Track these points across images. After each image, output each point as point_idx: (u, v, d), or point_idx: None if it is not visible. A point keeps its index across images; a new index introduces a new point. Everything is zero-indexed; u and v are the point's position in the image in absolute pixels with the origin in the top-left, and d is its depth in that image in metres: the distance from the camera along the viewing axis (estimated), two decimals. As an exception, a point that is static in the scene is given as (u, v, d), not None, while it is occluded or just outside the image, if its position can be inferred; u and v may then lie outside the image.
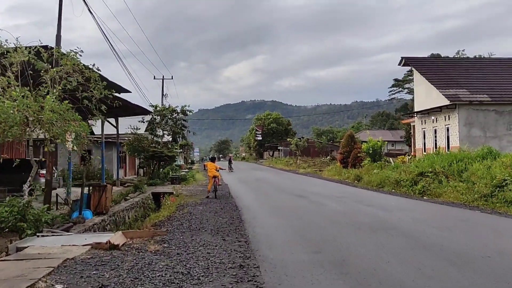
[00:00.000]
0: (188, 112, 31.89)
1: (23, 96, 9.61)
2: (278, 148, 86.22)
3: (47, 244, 8.21)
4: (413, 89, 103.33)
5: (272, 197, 18.31)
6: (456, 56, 69.05)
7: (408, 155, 38.99)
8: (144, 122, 31.54)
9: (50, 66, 11.61)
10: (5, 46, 10.77)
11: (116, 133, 27.67)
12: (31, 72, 11.48)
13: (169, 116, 31.82)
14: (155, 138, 31.02)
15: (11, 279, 5.77)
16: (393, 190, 20.84)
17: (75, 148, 20.26)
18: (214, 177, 19.06)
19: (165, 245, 8.59)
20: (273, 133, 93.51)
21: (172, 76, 51.20)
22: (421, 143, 35.45)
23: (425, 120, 34.61)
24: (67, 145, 19.74)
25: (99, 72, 12.12)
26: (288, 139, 69.31)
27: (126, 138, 31.17)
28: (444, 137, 30.98)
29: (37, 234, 9.02)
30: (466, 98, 29.28)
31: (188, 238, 9.43)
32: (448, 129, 30.54)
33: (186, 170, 45.77)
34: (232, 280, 6.01)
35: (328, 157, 63.53)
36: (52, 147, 11.38)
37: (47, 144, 10.66)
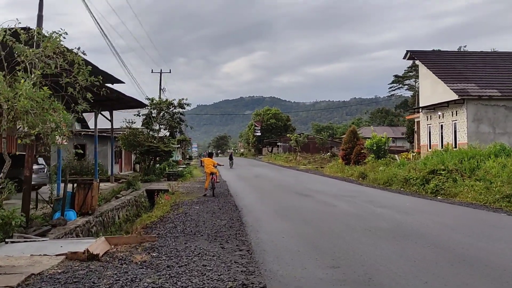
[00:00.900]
0: (185, 106, 30.57)
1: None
2: (277, 144, 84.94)
3: (14, 253, 6.96)
4: (413, 85, 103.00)
5: (274, 195, 17.06)
6: (459, 52, 67.65)
7: (412, 152, 37.85)
8: (139, 116, 30.24)
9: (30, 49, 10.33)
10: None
11: (110, 127, 26.45)
12: (8, 56, 10.22)
13: (166, 110, 30.49)
14: (151, 133, 29.71)
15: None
16: (402, 189, 19.64)
17: (64, 142, 18.97)
18: (212, 173, 17.81)
19: (154, 254, 7.35)
20: (272, 129, 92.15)
21: (170, 70, 50.04)
22: (426, 140, 34.24)
23: (430, 116, 33.40)
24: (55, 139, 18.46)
25: (84, 56, 10.82)
26: (288, 135, 68.00)
27: (121, 132, 29.88)
28: (451, 134, 29.80)
29: (6, 240, 7.77)
30: (475, 92, 28.10)
31: (182, 244, 8.18)
32: (455, 125, 29.36)
33: (184, 166, 44.48)
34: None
35: (328, 153, 62.33)
36: (30, 140, 10.08)
37: (22, 136, 9.40)
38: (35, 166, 21.82)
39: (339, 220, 10.59)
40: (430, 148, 33.42)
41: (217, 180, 18.65)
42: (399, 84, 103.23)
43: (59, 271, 6.05)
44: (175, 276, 5.97)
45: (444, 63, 33.99)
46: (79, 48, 11.17)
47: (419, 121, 39.50)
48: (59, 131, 9.27)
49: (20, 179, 21.38)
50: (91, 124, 46.12)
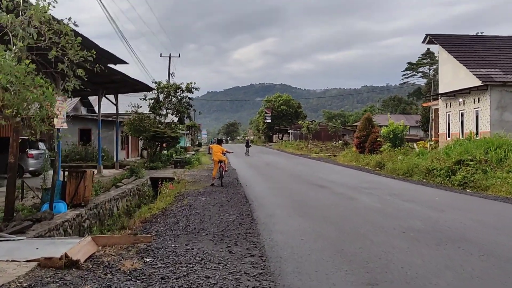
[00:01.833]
0: (194, 90, 29.18)
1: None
2: (288, 131, 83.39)
3: (-23, 257, 5.75)
4: (427, 73, 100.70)
5: (288, 186, 15.74)
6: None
7: (429, 141, 36.23)
8: (146, 100, 29.00)
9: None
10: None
11: (115, 111, 25.33)
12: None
13: (173, 94, 29.16)
14: (157, 118, 28.47)
15: None
16: (424, 180, 18.24)
17: (63, 125, 17.74)
18: (220, 161, 16.55)
19: (148, 260, 6.10)
20: (283, 116, 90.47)
21: (179, 54, 48.96)
22: (445, 128, 32.61)
23: (450, 103, 31.74)
24: (55, 122, 17.24)
25: (75, 27, 9.51)
26: (299, 122, 66.41)
27: (127, 117, 28.69)
28: (472, 122, 28.20)
29: (-27, 239, 6.58)
30: (500, 78, 26.40)
31: (182, 246, 6.93)
32: (477, 113, 27.75)
33: (192, 153, 43.33)
34: None
35: (340, 141, 60.75)
36: (15, 122, 8.84)
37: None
38: (35, 151, 20.81)
39: (363, 217, 9.25)
40: (449, 137, 31.87)
41: (226, 169, 17.38)
42: (412, 72, 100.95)
43: (24, 284, 4.81)
44: (170, 292, 4.71)
45: (466, 48, 32.21)
46: (69, 19, 9.81)
47: (437, 108, 37.81)
48: (41, 111, 7.97)
49: (20, 164, 20.40)
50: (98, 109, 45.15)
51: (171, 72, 41.00)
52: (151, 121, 27.40)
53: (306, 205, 11.05)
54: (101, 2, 18.99)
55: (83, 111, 41.72)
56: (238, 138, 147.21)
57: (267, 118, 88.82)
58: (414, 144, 30.78)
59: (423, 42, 35.29)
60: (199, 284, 5.03)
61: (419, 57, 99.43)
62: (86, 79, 10.39)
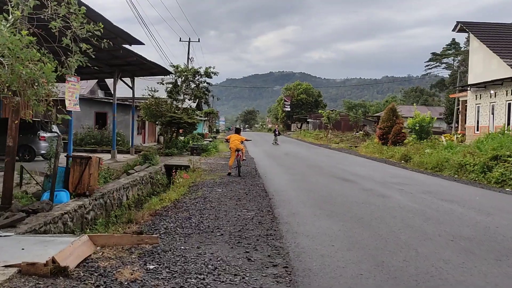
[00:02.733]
0: (212, 75, 28.07)
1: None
2: (307, 120, 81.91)
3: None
4: (451, 64, 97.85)
5: (309, 179, 14.63)
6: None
7: (455, 134, 34.60)
8: (163, 84, 28.07)
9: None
10: None
11: (132, 95, 24.53)
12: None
13: (192, 79, 28.13)
14: (174, 103, 27.53)
15: None
16: (456, 176, 16.95)
17: (76, 108, 16.84)
18: (237, 150, 15.71)
19: (152, 267, 5.12)
20: (302, 105, 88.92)
21: (199, 39, 47.54)
22: (473, 121, 30.98)
23: (480, 95, 30.09)
24: (66, 103, 16.37)
25: (81, -3, 8.53)
26: (320, 111, 64.89)
27: (143, 101, 27.84)
28: (503, 115, 26.62)
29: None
30: (537, 69, 24.77)
31: (193, 250, 5.94)
32: (509, 105, 26.18)
33: (210, 140, 42.47)
34: None
35: (361, 132, 59.20)
36: (10, 101, 7.94)
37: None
38: (47, 134, 20.13)
39: (400, 219, 8.12)
40: (477, 130, 30.31)
41: (243, 158, 16.43)
42: (436, 63, 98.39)
43: (-6, 300, 3.87)
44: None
45: (500, 37, 30.40)
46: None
47: (464, 100, 36.13)
48: (38, 89, 7.01)
49: (31, 147, 19.72)
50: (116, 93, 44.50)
51: (190, 57, 40.04)
52: (168, 106, 26.49)
53: (333, 202, 9.95)
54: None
55: (100, 94, 41.14)
56: (256, 126, 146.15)
57: (286, 106, 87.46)
58: (442, 136, 29.29)
59: (453, 30, 33.53)
60: (210, 305, 4.03)
61: (443, 48, 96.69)
62: (93, 56, 9.42)
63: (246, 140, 17.60)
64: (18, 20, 7.67)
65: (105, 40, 8.80)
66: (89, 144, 27.36)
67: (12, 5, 7.47)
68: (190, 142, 30.04)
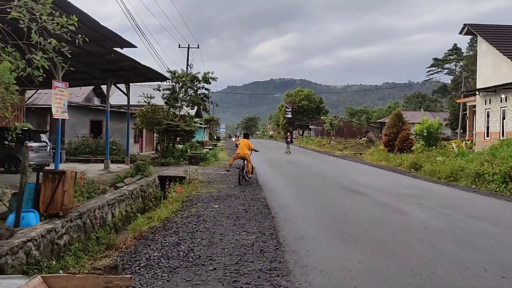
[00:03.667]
0: (211, 80, 26.87)
1: None
2: (309, 127, 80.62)
3: None
4: (453, 69, 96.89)
5: (316, 191, 13.33)
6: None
7: (463, 140, 33.29)
8: (160, 90, 26.88)
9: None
10: None
11: (127, 102, 23.40)
12: None
13: (190, 85, 26.93)
14: (171, 110, 26.32)
15: None
16: (473, 186, 15.65)
17: (64, 115, 15.59)
18: (243, 158, 15.17)
19: (118, 324, 3.83)
20: (304, 111, 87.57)
21: (198, 45, 46.36)
22: (483, 127, 29.67)
23: (490, 99, 28.82)
24: (53, 111, 15.09)
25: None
26: (322, 117, 63.60)
27: (138, 108, 26.64)
28: (516, 120, 25.43)
29: None
30: (552, 72, 23.55)
31: (177, 294, 4.65)
32: (522, 111, 25.06)
33: (210, 148, 41.21)
34: None
35: (364, 138, 57.92)
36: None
37: None
38: (35, 144, 18.87)
39: (429, 243, 6.82)
40: (487, 136, 29.04)
41: (250, 172, 15.36)
42: (438, 68, 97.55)
43: None
44: None
45: (510, 38, 29.24)
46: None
47: (472, 105, 34.90)
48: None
49: (18, 158, 18.42)
50: (112, 100, 43.24)
51: (190, 64, 38.83)
52: (165, 113, 25.28)
53: (345, 220, 8.64)
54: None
55: (97, 101, 39.92)
56: (257, 133, 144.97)
57: (287, 113, 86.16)
58: (453, 143, 27.97)
59: (460, 33, 32.37)
60: None
61: (445, 53, 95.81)
62: (69, 56, 8.17)
63: (254, 150, 15.98)
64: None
65: (80, 36, 7.56)
66: (83, 153, 26.15)
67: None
68: (188, 150, 28.82)
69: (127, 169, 18.54)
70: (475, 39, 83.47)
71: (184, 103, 27.06)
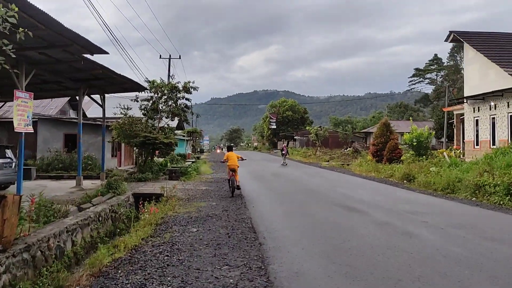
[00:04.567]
0: (192, 90, 25.48)
1: None
2: (294, 137, 79.59)
3: None
4: (435, 79, 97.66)
5: (308, 209, 11.97)
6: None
7: (450, 149, 32.41)
8: (138, 101, 25.40)
9: None
10: None
11: (102, 113, 21.94)
12: None
13: (169, 95, 25.48)
14: (150, 121, 24.83)
15: None
16: (474, 199, 14.53)
17: (28, 128, 14.12)
18: (233, 170, 15.23)
19: None
20: (288, 122, 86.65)
21: (179, 56, 45.00)
22: (472, 135, 28.93)
23: (478, 107, 28.12)
24: (15, 123, 13.70)
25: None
26: (307, 128, 62.55)
27: (114, 120, 25.11)
28: (506, 128, 24.67)
29: None
30: (540, 78, 22.91)
31: None
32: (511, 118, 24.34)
33: (192, 160, 39.63)
34: None
35: (350, 149, 57.00)
36: None
37: None
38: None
39: (455, 279, 5.50)
40: (477, 145, 28.27)
41: (238, 183, 15.60)
42: (419, 78, 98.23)
43: None
44: None
45: (497, 45, 28.71)
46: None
47: (459, 113, 34.22)
48: None
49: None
50: (89, 113, 41.42)
51: (171, 75, 37.34)
52: (143, 125, 23.75)
53: (346, 248, 7.29)
54: (96, 10, 15.52)
55: (72, 114, 38.18)
56: (241, 144, 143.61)
57: (272, 123, 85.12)
58: (444, 153, 27.01)
59: (446, 40, 31.83)
60: None
61: (426, 63, 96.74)
62: (13, 56, 6.76)
63: (242, 159, 16.91)
64: None
65: (21, 29, 6.17)
66: (56, 169, 24.48)
67: None
68: (169, 164, 27.29)
69: (99, 186, 17.02)
70: (456, 49, 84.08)
71: (164, 114, 25.60)
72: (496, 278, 5.52)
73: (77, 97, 33.57)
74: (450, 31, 30.89)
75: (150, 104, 25.39)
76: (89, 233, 10.06)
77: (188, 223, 9.87)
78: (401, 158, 28.13)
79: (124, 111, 23.22)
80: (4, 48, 6.39)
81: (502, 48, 28.11)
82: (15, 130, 13.75)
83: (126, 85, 20.44)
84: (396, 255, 6.69)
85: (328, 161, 41.14)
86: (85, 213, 10.50)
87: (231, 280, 5.59)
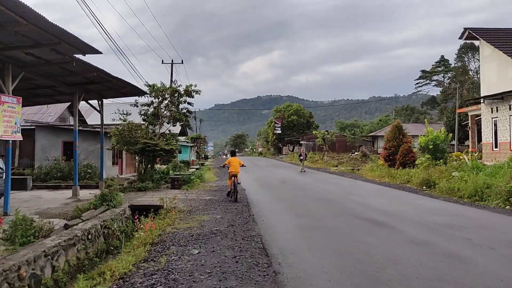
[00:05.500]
0: (194, 93, 24.11)
1: None
2: (300, 142, 78.09)
3: None
4: (441, 81, 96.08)
5: (325, 222, 10.51)
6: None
7: (467, 152, 30.86)
8: (137, 106, 24.07)
9: None
10: None
11: (100, 119, 20.76)
12: None
13: (170, 99, 24.13)
14: (150, 127, 23.49)
15: None
16: (507, 207, 13.04)
17: (16, 136, 13.01)
18: (234, 176, 15.16)
19: None
20: (294, 126, 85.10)
21: (182, 61, 43.67)
22: (490, 137, 27.39)
23: (497, 107, 26.61)
24: (1, 131, 12.57)
25: None
26: (314, 132, 61.00)
27: (114, 126, 23.79)
28: (527, 129, 23.22)
29: None
30: None
31: None
32: (535, 118, 22.89)
33: (196, 167, 38.25)
34: None
35: (358, 153, 55.43)
36: None
37: None
38: (-10, 168, 16.13)
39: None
40: (496, 147, 26.73)
41: (239, 181, 15.67)
42: (426, 80, 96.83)
43: None
44: None
45: (516, 42, 27.28)
46: None
47: (474, 114, 32.76)
48: None
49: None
50: (90, 120, 40.20)
51: (174, 80, 35.87)
52: (143, 131, 22.40)
53: (384, 279, 5.79)
54: (96, 19, 14.27)
55: (72, 121, 36.95)
56: (246, 150, 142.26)
57: (277, 128, 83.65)
58: (464, 156, 25.47)
59: (460, 38, 30.35)
60: None
61: (432, 65, 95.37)
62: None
63: (243, 165, 16.32)
64: None
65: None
66: (55, 178, 23.26)
67: None
68: (171, 172, 25.90)
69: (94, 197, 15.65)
70: (463, 49, 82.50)
71: (165, 119, 24.24)
72: None
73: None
74: (465, 28, 29.45)
75: (150, 109, 24.09)
76: (75, 254, 8.66)
77: (188, 243, 8.45)
78: (416, 162, 26.65)
79: (123, 116, 21.91)
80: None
81: (523, 43, 26.74)
82: (1, 138, 12.47)
83: (124, 89, 19.20)
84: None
85: (336, 166, 39.62)
86: (71, 231, 9.09)
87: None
